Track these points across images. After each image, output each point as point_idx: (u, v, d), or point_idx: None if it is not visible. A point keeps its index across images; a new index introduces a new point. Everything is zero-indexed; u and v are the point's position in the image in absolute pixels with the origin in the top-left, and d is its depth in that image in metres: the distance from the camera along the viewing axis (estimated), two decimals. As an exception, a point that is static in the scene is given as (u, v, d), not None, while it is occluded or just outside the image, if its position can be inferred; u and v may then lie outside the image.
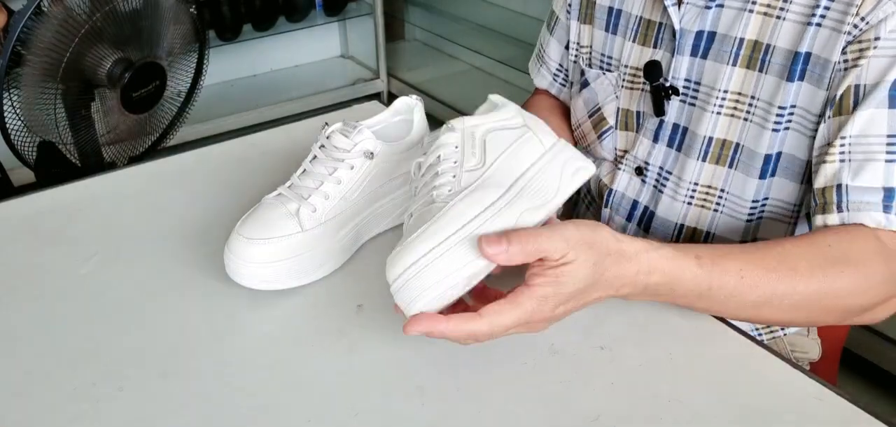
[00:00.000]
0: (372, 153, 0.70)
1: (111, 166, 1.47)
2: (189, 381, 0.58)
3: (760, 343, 0.62)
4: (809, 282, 0.61)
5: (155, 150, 1.59)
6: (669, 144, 0.81)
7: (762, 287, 0.60)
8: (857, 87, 0.67)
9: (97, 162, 1.44)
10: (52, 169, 1.40)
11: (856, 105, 0.67)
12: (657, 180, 0.83)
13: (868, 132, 0.66)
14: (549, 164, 0.61)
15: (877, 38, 0.65)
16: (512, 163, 0.60)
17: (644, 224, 0.86)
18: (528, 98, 1.05)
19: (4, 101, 1.27)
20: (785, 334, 0.88)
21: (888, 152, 0.66)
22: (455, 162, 0.60)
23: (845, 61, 0.67)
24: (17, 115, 1.31)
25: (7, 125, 1.30)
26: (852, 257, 0.63)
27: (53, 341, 0.63)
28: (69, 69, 1.29)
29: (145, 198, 0.86)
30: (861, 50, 0.66)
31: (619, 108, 0.86)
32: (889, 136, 0.65)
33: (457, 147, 0.61)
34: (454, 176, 0.59)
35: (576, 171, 0.62)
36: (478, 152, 0.60)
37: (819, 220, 0.68)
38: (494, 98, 0.66)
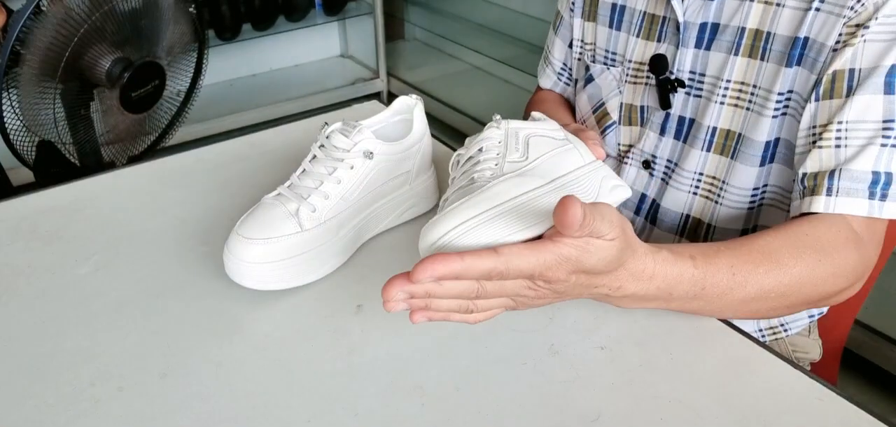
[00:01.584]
0: (371, 153, 0.70)
1: (110, 166, 1.47)
2: (189, 381, 0.58)
3: (761, 343, 0.62)
4: (791, 272, 0.63)
5: (154, 150, 1.58)
6: (676, 137, 0.82)
7: (751, 282, 0.62)
8: (851, 71, 0.67)
9: (96, 162, 1.44)
10: (52, 169, 1.40)
11: (850, 90, 0.67)
12: (665, 173, 0.84)
13: (864, 118, 0.66)
14: (588, 175, 0.63)
15: (870, 21, 0.66)
16: (554, 164, 0.62)
17: (650, 216, 0.86)
18: (531, 97, 1.05)
19: (3, 101, 1.26)
20: (787, 334, 0.88)
21: (883, 138, 0.66)
22: (498, 153, 0.61)
23: (838, 41, 0.68)
24: (16, 114, 1.31)
25: (6, 125, 1.30)
26: (827, 246, 0.65)
27: (53, 341, 0.63)
28: (68, 69, 1.29)
29: (145, 198, 0.86)
30: (855, 33, 0.67)
31: (622, 103, 0.87)
32: (885, 122, 0.66)
33: (500, 141, 0.62)
34: (496, 164, 0.60)
35: (613, 187, 0.63)
36: (521, 148, 0.61)
37: (804, 204, 0.68)
38: (536, 114, 0.68)
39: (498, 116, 0.66)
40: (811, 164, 0.68)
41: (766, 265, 0.62)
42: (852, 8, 0.67)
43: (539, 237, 0.52)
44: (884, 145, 0.66)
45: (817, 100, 0.69)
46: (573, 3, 0.93)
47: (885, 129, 0.66)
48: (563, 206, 0.48)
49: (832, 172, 0.67)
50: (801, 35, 0.70)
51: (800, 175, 0.70)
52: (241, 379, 0.59)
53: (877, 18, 0.66)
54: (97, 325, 0.65)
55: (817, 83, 0.69)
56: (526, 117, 0.95)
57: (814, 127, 0.69)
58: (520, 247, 0.51)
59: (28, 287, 0.70)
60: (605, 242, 0.52)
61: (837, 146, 0.67)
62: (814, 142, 0.69)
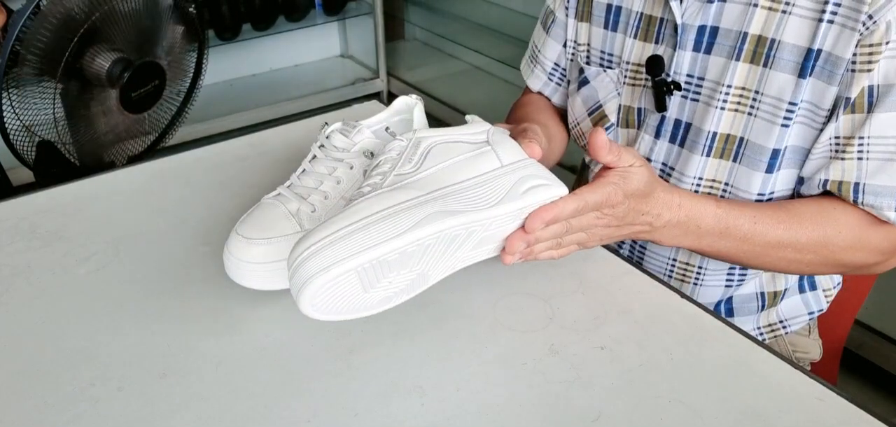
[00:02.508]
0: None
1: (110, 166, 1.47)
2: (188, 382, 0.58)
3: (761, 343, 0.62)
4: (812, 232, 0.71)
5: (154, 150, 1.58)
6: (672, 140, 0.82)
7: (772, 232, 0.71)
8: (871, 87, 0.68)
9: (96, 162, 1.43)
10: (51, 168, 1.40)
11: (871, 106, 0.69)
12: (660, 176, 0.83)
13: (885, 134, 0.69)
14: (500, 177, 0.61)
15: (887, 43, 0.67)
16: (451, 172, 0.61)
17: None
18: (517, 98, 1.04)
19: (3, 101, 1.26)
20: (787, 332, 0.88)
21: None
22: (390, 167, 0.61)
23: (854, 59, 0.68)
24: (16, 114, 1.31)
25: (6, 125, 1.30)
26: (851, 221, 0.72)
27: (52, 341, 0.63)
28: (68, 69, 1.28)
29: (144, 197, 0.86)
30: (872, 51, 0.67)
31: (620, 105, 0.86)
32: None
33: (399, 153, 0.62)
34: (382, 177, 0.60)
35: (529, 189, 0.61)
36: (415, 160, 0.61)
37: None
38: (469, 117, 0.68)
39: (471, 117, 0.67)
40: (834, 173, 0.72)
41: (788, 222, 0.71)
42: (864, 24, 0.67)
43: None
44: None
45: (843, 114, 0.70)
46: (567, 3, 0.92)
47: None
48: (593, 135, 0.63)
49: (856, 186, 0.71)
50: (815, 47, 0.70)
51: (819, 179, 0.73)
52: (241, 379, 0.59)
53: (891, 38, 0.67)
54: (97, 325, 0.65)
55: (845, 100, 0.70)
56: (508, 120, 0.95)
57: (837, 138, 0.71)
58: (589, 185, 0.64)
59: (28, 287, 0.70)
60: (636, 168, 0.65)
61: (859, 158, 0.70)
62: (836, 151, 0.72)
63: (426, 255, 0.58)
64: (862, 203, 0.71)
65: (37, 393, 0.57)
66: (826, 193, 0.73)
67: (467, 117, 0.68)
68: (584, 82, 0.90)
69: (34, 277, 0.71)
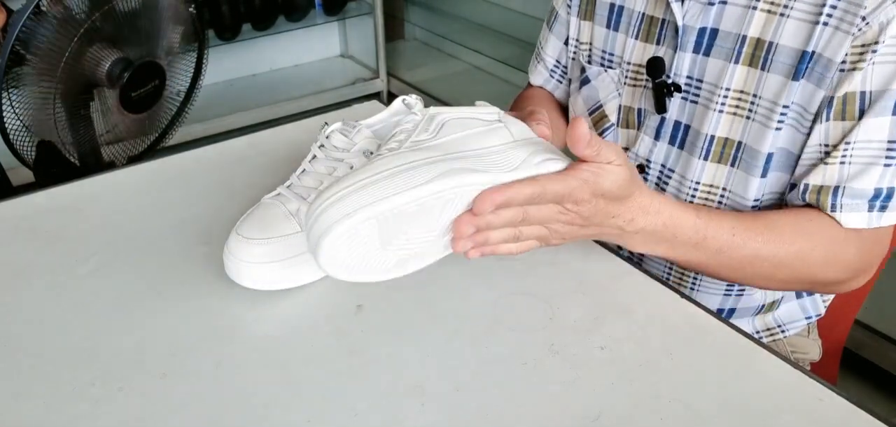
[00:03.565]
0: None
1: (110, 166, 1.47)
2: (189, 381, 0.58)
3: (761, 343, 0.62)
4: (790, 247, 0.69)
5: (154, 150, 1.58)
6: (671, 142, 0.81)
7: (749, 246, 0.68)
8: (862, 94, 0.68)
9: (96, 162, 1.44)
10: (51, 169, 1.40)
11: (862, 113, 0.68)
12: (659, 178, 0.83)
13: (871, 138, 0.68)
14: (513, 149, 0.61)
15: (877, 43, 0.66)
16: (465, 141, 0.60)
17: None
18: (519, 92, 1.04)
19: (3, 101, 1.26)
20: (785, 335, 0.88)
21: (887, 157, 0.68)
22: (406, 135, 0.61)
23: (845, 60, 0.68)
24: (16, 114, 1.31)
25: (6, 125, 1.30)
26: (826, 236, 0.70)
27: (53, 341, 0.63)
28: (68, 69, 1.29)
29: (145, 198, 0.85)
30: (862, 53, 0.67)
31: (621, 106, 0.86)
32: (889, 141, 0.67)
33: (414, 126, 0.62)
34: (398, 143, 0.60)
35: (543, 160, 0.60)
36: (431, 130, 0.61)
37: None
38: (478, 103, 0.67)
39: (480, 102, 0.66)
40: (815, 178, 0.71)
41: (766, 235, 0.69)
42: (858, 27, 0.66)
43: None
44: (887, 165, 0.68)
45: (829, 119, 0.70)
46: (570, 1, 0.92)
47: (889, 149, 0.68)
48: (573, 124, 0.57)
49: (836, 189, 0.69)
50: (809, 49, 0.70)
51: (802, 185, 0.72)
52: (241, 379, 0.59)
53: (884, 41, 0.66)
54: (97, 325, 0.65)
55: (830, 103, 0.69)
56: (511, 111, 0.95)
57: (825, 144, 0.71)
58: (552, 174, 0.59)
59: (28, 287, 0.70)
60: (614, 167, 0.59)
61: (842, 163, 0.69)
62: (822, 158, 0.71)
63: (444, 212, 0.57)
64: (839, 206, 0.69)
65: (37, 393, 0.57)
66: (806, 205, 0.72)
67: (477, 103, 0.67)
68: (585, 81, 0.90)
69: (34, 277, 0.71)
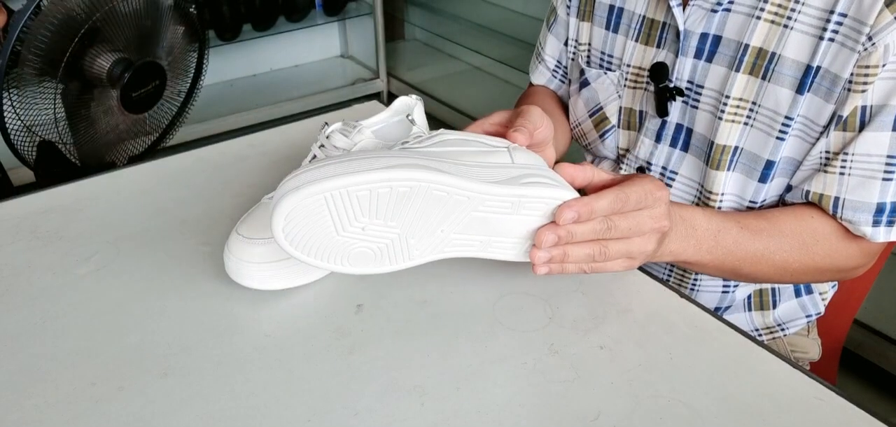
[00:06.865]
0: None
1: (111, 166, 1.47)
2: (189, 381, 0.58)
3: (760, 343, 0.62)
4: (792, 241, 0.72)
5: (155, 150, 1.58)
6: (672, 144, 0.81)
7: (756, 242, 0.70)
8: (864, 107, 0.68)
9: (96, 162, 1.44)
10: (52, 169, 1.40)
11: (862, 125, 0.68)
12: (660, 180, 0.83)
13: (870, 152, 0.68)
14: (505, 168, 0.60)
15: (884, 65, 0.66)
16: (456, 155, 0.60)
17: None
18: (522, 92, 1.05)
19: (4, 101, 1.26)
20: (785, 334, 0.88)
21: (886, 172, 0.68)
22: (404, 143, 0.61)
23: (852, 78, 0.68)
24: (17, 114, 1.31)
25: (6, 125, 1.30)
26: (827, 231, 0.72)
27: (53, 341, 0.63)
28: (68, 69, 1.29)
29: (145, 198, 0.86)
30: (868, 72, 0.67)
31: (621, 108, 0.86)
32: (889, 156, 0.68)
33: (416, 138, 0.62)
34: (394, 145, 0.60)
35: (533, 182, 0.59)
36: (429, 142, 0.61)
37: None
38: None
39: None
40: (816, 185, 0.72)
41: (770, 231, 0.71)
42: (863, 45, 0.67)
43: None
44: (886, 179, 0.69)
45: (834, 130, 0.70)
46: (569, 2, 0.92)
47: (888, 165, 0.68)
48: (561, 170, 0.60)
49: (836, 201, 0.71)
50: (814, 64, 0.70)
51: (803, 189, 0.73)
52: (241, 379, 0.59)
53: (888, 61, 0.66)
54: (97, 325, 0.65)
55: (839, 118, 0.69)
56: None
57: (827, 152, 0.71)
58: (625, 181, 0.60)
59: (28, 287, 0.70)
60: (630, 184, 0.60)
61: (842, 173, 0.70)
62: (823, 164, 0.72)
63: (402, 207, 0.55)
64: (840, 217, 0.71)
65: (37, 393, 0.57)
66: (807, 203, 0.73)
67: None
68: (584, 84, 0.90)
69: (34, 277, 0.71)
